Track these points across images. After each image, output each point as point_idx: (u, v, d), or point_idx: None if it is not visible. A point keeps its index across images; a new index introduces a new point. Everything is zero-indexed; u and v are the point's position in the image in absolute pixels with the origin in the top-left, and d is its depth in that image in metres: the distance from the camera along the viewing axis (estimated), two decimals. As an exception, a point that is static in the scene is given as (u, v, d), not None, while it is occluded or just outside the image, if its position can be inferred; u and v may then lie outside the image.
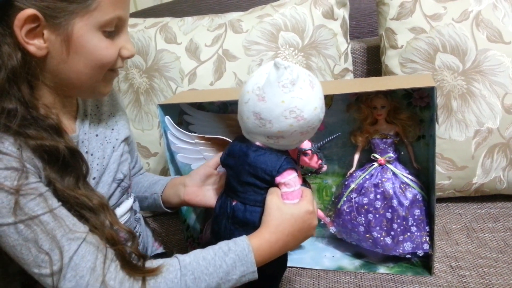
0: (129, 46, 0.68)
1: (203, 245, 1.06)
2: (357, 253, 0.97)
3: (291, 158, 0.73)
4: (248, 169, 0.70)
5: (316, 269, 0.95)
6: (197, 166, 0.95)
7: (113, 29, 0.64)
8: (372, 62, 1.28)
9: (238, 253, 0.64)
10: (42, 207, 0.57)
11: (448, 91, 1.04)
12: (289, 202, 0.69)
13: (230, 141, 0.89)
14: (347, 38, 1.17)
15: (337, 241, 1.01)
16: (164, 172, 1.20)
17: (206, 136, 0.92)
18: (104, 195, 0.71)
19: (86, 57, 0.63)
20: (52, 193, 0.59)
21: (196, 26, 1.19)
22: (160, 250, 0.97)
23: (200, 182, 0.86)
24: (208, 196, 0.86)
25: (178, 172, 0.99)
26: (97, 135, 0.75)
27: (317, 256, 0.99)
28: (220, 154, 0.81)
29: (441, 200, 1.14)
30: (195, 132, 1.05)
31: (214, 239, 0.76)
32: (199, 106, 1.03)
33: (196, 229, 1.08)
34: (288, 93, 0.64)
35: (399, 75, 1.08)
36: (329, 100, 0.94)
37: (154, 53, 1.16)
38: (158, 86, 1.16)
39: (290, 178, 0.69)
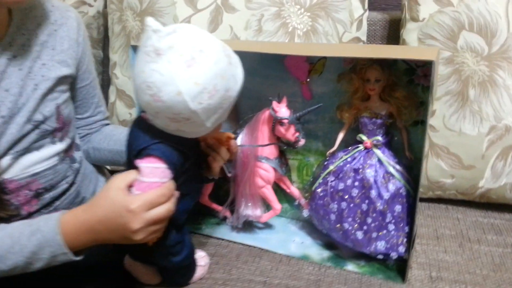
0: None
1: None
2: (329, 243, 0.87)
3: (173, 148, 0.60)
4: (127, 139, 0.64)
5: (279, 254, 0.85)
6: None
7: None
8: (392, 37, 1.13)
9: (45, 234, 0.58)
10: None
11: (467, 76, 0.89)
12: (135, 192, 0.59)
13: None
14: (364, 3, 1.03)
15: (311, 227, 0.90)
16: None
17: None
18: (13, 136, 0.66)
19: None
20: None
21: (201, -30, 1.07)
22: None
23: None
24: None
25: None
26: (20, 69, 0.67)
27: (285, 239, 0.89)
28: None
29: (440, 200, 1.00)
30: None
31: None
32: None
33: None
34: (149, 64, 0.53)
35: (403, 46, 0.95)
36: (321, 66, 0.82)
37: (150, -5, 1.07)
38: (149, 31, 1.07)
39: (146, 166, 0.58)
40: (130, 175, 0.60)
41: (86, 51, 0.79)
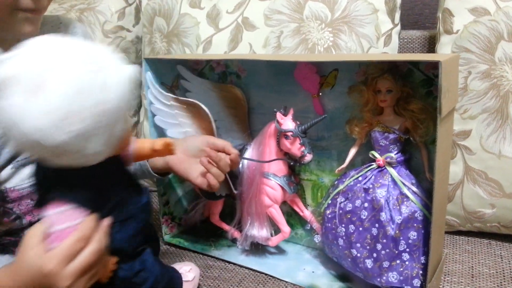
0: None
1: (187, 227, 0.96)
2: (343, 274, 0.78)
3: (74, 184, 0.49)
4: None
5: (285, 282, 0.78)
6: (172, 132, 0.87)
7: None
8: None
9: None
10: None
11: (507, 91, 0.79)
12: (50, 245, 0.49)
13: (205, 108, 0.79)
14: (393, 17, 0.96)
15: (326, 255, 0.82)
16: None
17: (180, 98, 0.83)
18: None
19: None
20: None
21: (225, -8, 1.08)
22: None
23: (192, 151, 0.77)
24: (192, 169, 0.76)
25: (157, 137, 0.91)
26: None
27: (295, 267, 0.82)
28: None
29: (482, 235, 0.87)
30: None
31: None
32: (200, 73, 0.93)
33: (180, 207, 0.97)
34: None
35: (419, 54, 0.87)
36: (332, 78, 0.76)
37: (177, 17, 1.09)
38: (174, 51, 1.08)
39: (50, 214, 0.49)
40: (40, 227, 0.50)
41: None
